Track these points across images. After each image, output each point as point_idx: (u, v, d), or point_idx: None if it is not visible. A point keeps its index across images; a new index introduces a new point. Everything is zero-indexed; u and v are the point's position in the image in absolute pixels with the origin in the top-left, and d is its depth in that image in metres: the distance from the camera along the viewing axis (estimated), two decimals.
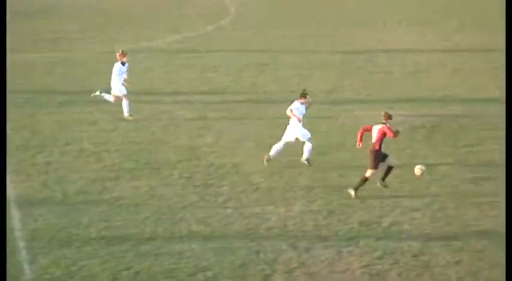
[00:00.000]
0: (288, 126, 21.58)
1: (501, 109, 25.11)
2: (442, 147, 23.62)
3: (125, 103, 23.72)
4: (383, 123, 19.88)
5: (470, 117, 26.54)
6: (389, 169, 19.96)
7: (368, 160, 19.94)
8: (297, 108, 21.41)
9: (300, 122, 21.29)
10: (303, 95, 21.50)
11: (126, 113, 23.84)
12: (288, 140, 21.51)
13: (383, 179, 20.05)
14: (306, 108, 21.69)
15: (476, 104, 28.35)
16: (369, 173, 19.80)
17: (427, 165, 20.72)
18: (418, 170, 19.94)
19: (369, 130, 19.98)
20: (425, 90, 30.30)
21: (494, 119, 25.93)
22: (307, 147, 21.50)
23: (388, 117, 19.97)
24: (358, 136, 20.24)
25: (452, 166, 21.96)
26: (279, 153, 21.69)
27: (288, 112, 21.44)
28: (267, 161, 21.49)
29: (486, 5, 45.31)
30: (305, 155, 21.49)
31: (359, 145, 20.35)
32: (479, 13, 44.06)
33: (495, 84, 30.40)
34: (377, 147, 19.74)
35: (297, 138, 21.49)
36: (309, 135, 21.47)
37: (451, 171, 21.66)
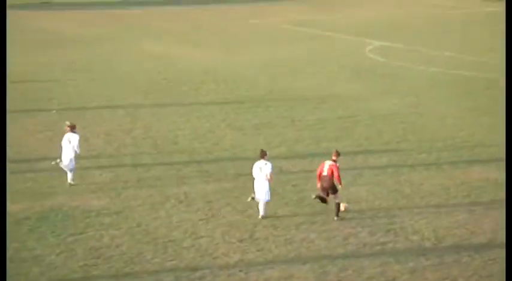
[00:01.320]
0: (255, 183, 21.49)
1: None
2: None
3: (69, 175, 23.65)
4: (333, 160, 21.26)
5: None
6: (338, 206, 20.98)
7: (330, 191, 21.04)
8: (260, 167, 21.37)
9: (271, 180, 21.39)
10: (264, 153, 21.56)
11: (69, 180, 23.67)
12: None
13: (316, 197, 21.20)
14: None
15: None
16: (337, 198, 21.00)
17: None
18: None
19: (321, 167, 21.28)
20: None
21: None
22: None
23: (338, 154, 21.44)
24: (318, 177, 21.32)
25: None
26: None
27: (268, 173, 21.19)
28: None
29: None
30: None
31: (318, 185, 21.31)
32: None
33: None
34: (330, 176, 20.96)
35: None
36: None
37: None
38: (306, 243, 19.45)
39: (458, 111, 31.89)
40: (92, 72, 39.84)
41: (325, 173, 21.13)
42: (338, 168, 21.09)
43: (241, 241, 19.55)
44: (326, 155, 25.84)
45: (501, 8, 65.93)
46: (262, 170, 21.19)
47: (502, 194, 22.45)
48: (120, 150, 26.99)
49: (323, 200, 21.20)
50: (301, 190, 23.00)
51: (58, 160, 23.44)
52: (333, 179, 20.95)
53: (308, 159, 25.84)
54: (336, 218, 20.90)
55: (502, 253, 18.50)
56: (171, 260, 18.51)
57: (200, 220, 20.82)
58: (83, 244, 19.26)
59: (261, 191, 21.14)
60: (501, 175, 24.09)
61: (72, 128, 23.75)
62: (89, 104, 33.20)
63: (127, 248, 19.07)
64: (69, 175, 23.51)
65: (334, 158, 21.34)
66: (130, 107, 32.74)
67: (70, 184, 23.45)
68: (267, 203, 21.17)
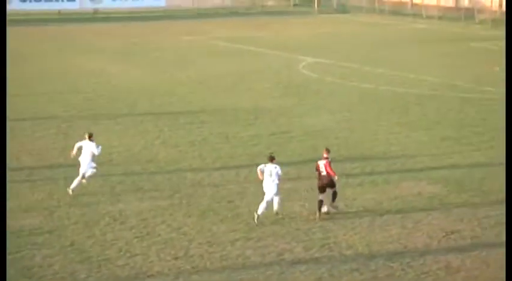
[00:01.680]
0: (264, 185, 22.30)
1: None
2: None
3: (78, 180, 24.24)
4: (326, 158, 22.47)
5: None
6: (335, 193, 22.50)
7: (329, 187, 22.33)
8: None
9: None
10: (273, 157, 22.50)
11: (71, 188, 24.17)
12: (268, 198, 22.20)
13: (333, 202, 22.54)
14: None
15: None
16: (335, 188, 22.49)
17: None
18: None
19: (317, 167, 22.53)
20: None
21: None
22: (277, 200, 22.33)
23: (328, 151, 22.74)
24: (317, 172, 22.56)
25: None
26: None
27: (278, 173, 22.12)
28: (256, 219, 21.89)
29: None
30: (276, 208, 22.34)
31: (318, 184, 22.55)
32: None
33: None
34: (329, 173, 22.24)
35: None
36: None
37: None
38: (242, 259, 19.47)
39: (390, 127, 32.33)
40: (24, 89, 39.35)
41: (324, 172, 22.34)
42: (329, 163, 22.40)
43: (176, 258, 19.47)
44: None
45: (430, 25, 67.35)
46: (272, 173, 22.07)
47: (434, 209, 22.88)
48: (52, 168, 26.68)
49: (321, 205, 22.30)
50: (236, 206, 23.03)
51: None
52: (331, 176, 22.24)
53: (243, 175, 25.90)
54: (334, 203, 22.34)
55: (435, 266, 18.85)
56: (105, 279, 18.35)
57: (135, 237, 20.68)
58: (15, 264, 18.96)
59: (271, 192, 21.96)
60: (433, 189, 24.54)
61: (90, 137, 24.24)
62: (21, 120, 32.77)
63: (60, 268, 18.84)
64: (86, 176, 23.96)
65: (326, 155, 22.58)
66: (64, 124, 32.42)
67: (72, 190, 23.71)
68: (280, 200, 22.08)
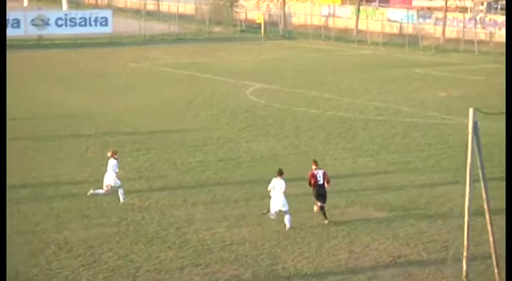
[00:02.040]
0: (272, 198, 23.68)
1: None
2: None
3: (120, 192, 25.78)
4: (319, 169, 24.21)
5: None
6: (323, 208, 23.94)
7: (322, 196, 23.86)
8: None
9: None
10: (280, 172, 23.88)
11: (122, 200, 25.71)
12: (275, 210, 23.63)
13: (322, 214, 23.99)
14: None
15: None
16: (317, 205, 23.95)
17: None
18: None
19: (314, 176, 23.99)
20: None
21: None
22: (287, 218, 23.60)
23: (316, 163, 24.31)
24: (312, 182, 24.05)
25: None
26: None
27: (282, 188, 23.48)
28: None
29: None
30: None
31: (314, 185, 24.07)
32: None
33: None
34: (321, 183, 23.92)
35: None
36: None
37: None
38: None
39: (337, 152, 32.54)
40: None
41: (321, 181, 23.87)
42: (326, 173, 24.16)
43: None
44: (209, 198, 26.02)
45: (375, 52, 68.16)
46: (276, 187, 23.49)
47: (381, 233, 23.02)
48: None
49: (323, 210, 23.88)
50: (184, 233, 22.89)
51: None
52: (325, 187, 23.86)
53: (191, 202, 25.79)
54: (326, 221, 23.61)
55: None
56: None
57: (81, 265, 20.42)
58: None
59: (278, 205, 23.31)
60: (380, 214, 24.70)
61: (114, 155, 25.74)
62: None
63: None
64: (121, 194, 25.43)
65: (315, 166, 24.12)
66: (12, 152, 32.01)
67: (123, 203, 25.28)
68: (289, 214, 23.34)
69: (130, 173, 29.06)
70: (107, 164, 25.80)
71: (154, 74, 54.43)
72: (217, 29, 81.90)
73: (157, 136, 35.23)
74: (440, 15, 76.55)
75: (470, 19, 74.80)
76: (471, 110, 20.60)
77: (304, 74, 54.86)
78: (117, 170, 25.76)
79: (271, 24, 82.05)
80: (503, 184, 27.69)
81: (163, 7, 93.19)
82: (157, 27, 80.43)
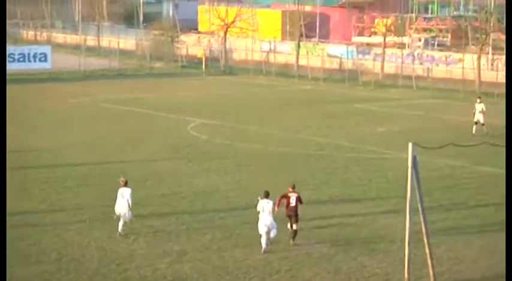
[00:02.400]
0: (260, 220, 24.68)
1: None
2: None
3: (122, 224, 26.31)
4: (295, 192, 25.53)
5: None
6: (296, 232, 25.31)
7: (292, 218, 25.17)
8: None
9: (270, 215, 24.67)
10: (267, 194, 25.10)
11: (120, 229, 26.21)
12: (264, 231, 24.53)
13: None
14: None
15: None
16: (295, 226, 25.17)
17: None
18: None
19: (286, 197, 25.39)
20: None
21: None
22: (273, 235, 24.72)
23: (294, 187, 25.74)
24: (277, 202, 25.16)
25: None
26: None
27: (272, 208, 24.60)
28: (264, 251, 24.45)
29: None
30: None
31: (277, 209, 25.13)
32: None
33: None
34: (293, 205, 25.26)
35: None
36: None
37: None
38: None
39: (279, 187, 32.59)
40: None
41: (293, 203, 25.21)
42: (299, 196, 25.50)
43: None
44: (150, 233, 25.83)
45: (316, 87, 68.81)
46: (265, 208, 24.46)
47: (323, 268, 23.08)
48: None
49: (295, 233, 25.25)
50: (125, 269, 22.66)
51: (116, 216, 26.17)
52: (297, 208, 25.14)
53: (132, 238, 25.56)
54: (292, 241, 24.96)
55: None
56: None
57: None
58: None
59: (265, 226, 24.29)
60: (322, 248, 24.77)
61: (125, 184, 26.33)
62: None
63: None
64: (121, 225, 25.92)
65: (291, 189, 25.57)
66: None
67: (120, 234, 25.77)
68: (275, 230, 24.53)
69: (71, 210, 28.78)
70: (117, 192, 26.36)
71: (95, 110, 54.10)
72: (158, 64, 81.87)
73: (98, 172, 34.94)
74: (379, 51, 77.71)
75: (408, 55, 76.06)
76: (410, 145, 20.91)
77: (246, 109, 55.08)
78: (130, 199, 26.18)
79: (212, 59, 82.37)
80: (444, 215, 28.16)
81: (104, 43, 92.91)
82: (97, 62, 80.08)
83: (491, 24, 71.70)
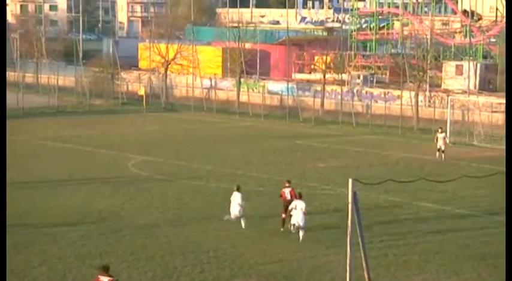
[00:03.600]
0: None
1: None
2: None
3: (243, 220, 31.80)
4: (290, 187, 31.64)
5: None
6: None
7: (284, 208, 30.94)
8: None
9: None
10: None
11: (243, 225, 31.69)
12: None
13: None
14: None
15: None
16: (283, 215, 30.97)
17: None
18: None
19: (283, 192, 31.56)
20: None
21: None
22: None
23: (289, 182, 32.16)
24: (282, 197, 31.57)
25: None
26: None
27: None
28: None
29: None
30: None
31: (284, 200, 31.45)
32: None
33: None
34: (289, 199, 31.07)
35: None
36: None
37: None
38: None
39: (220, 223, 32.57)
40: None
41: (288, 197, 30.97)
42: (293, 189, 31.45)
43: None
44: (89, 272, 25.50)
45: (257, 123, 69.15)
46: (297, 207, 29.82)
47: None
48: None
49: (284, 221, 31.00)
50: None
51: (227, 216, 31.61)
52: (292, 200, 30.49)
53: (71, 277, 25.23)
54: (282, 229, 30.73)
55: None
56: None
57: None
58: None
59: (298, 220, 29.75)
60: None
61: (238, 189, 31.85)
62: None
63: None
64: (243, 222, 31.54)
65: (288, 185, 31.71)
66: None
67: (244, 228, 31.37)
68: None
69: (8, 249, 28.30)
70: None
71: (34, 147, 53.51)
72: (98, 101, 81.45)
73: (36, 211, 34.47)
74: (319, 88, 78.51)
75: (347, 92, 76.97)
76: (350, 181, 21.10)
77: (187, 146, 55.02)
78: (242, 202, 31.33)
79: (153, 96, 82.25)
80: (384, 251, 28.39)
81: (43, 80, 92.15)
82: (36, 100, 79.37)
83: (428, 62, 73.08)
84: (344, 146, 55.74)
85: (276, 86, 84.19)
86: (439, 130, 50.83)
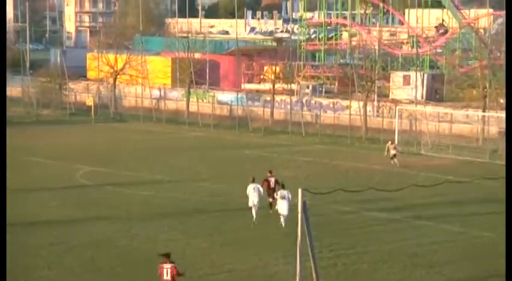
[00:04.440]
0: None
1: None
2: None
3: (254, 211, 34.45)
4: (272, 176, 36.00)
5: None
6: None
7: (271, 195, 35.31)
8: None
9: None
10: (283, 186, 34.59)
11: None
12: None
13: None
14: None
15: None
16: (271, 200, 35.28)
17: None
18: None
19: (267, 181, 35.64)
20: None
21: None
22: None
23: (271, 172, 36.30)
24: (262, 184, 35.23)
25: None
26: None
27: None
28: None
29: None
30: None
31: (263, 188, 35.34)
32: None
33: None
34: (273, 187, 35.52)
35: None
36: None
37: None
38: None
39: (170, 234, 32.44)
40: None
41: (272, 185, 35.35)
42: (277, 180, 35.54)
43: None
44: None
45: (206, 133, 69.08)
46: (285, 196, 33.11)
47: None
48: None
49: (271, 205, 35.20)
50: None
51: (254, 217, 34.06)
52: (275, 188, 35.08)
53: None
54: (270, 211, 34.92)
55: None
56: None
57: None
58: None
59: (283, 210, 33.10)
60: None
61: (253, 180, 35.00)
62: None
63: None
64: (254, 213, 34.24)
65: (270, 175, 35.90)
66: None
67: (254, 223, 34.02)
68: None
69: None
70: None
71: None
72: (45, 111, 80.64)
73: None
74: (268, 98, 78.73)
75: (297, 102, 77.30)
76: (300, 190, 21.19)
77: (136, 156, 54.73)
78: (261, 189, 34.60)
79: (101, 106, 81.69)
80: (334, 260, 28.53)
81: None
82: None
83: (376, 72, 73.78)
84: (294, 156, 55.91)
85: (225, 96, 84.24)
86: (390, 142, 52.16)
